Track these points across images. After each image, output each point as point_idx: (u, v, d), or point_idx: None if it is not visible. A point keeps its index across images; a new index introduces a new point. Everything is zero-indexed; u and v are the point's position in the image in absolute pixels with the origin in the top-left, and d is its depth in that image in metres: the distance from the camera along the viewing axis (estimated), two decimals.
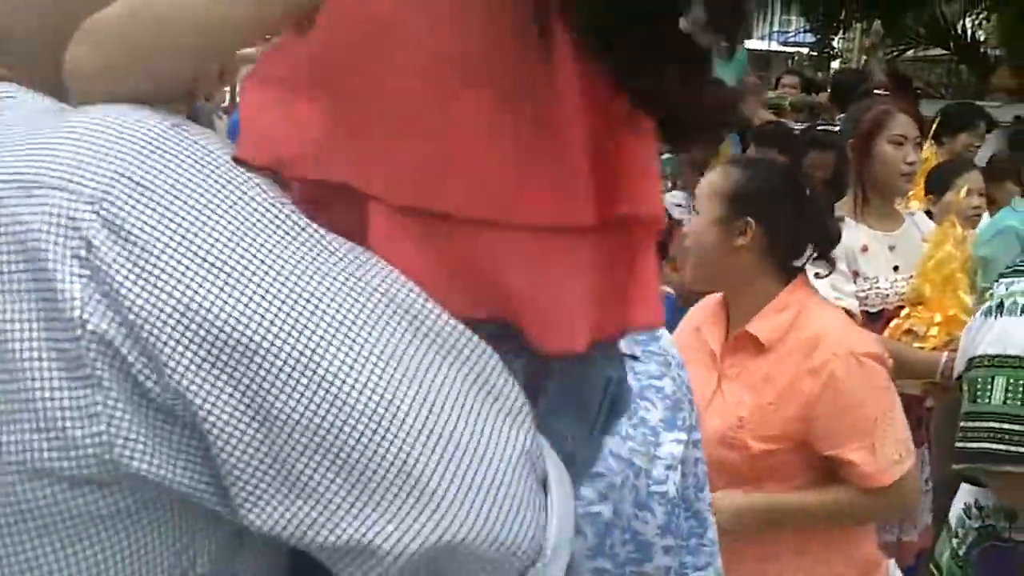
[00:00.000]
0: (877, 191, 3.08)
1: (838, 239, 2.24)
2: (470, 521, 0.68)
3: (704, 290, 2.32)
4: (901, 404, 2.12)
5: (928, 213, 3.64)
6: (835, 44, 19.31)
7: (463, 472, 0.68)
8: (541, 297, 0.74)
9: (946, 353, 2.88)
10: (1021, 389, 2.19)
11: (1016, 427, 2.20)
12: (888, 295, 2.99)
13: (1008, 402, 2.21)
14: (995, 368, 2.22)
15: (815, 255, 2.20)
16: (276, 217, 0.69)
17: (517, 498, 0.71)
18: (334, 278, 0.69)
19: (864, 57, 20.70)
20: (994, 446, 2.21)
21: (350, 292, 0.68)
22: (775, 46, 24.30)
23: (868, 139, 3.05)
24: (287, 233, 0.69)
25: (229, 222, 0.67)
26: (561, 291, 0.75)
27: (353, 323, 0.68)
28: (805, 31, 17.32)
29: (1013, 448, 2.20)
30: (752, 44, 17.85)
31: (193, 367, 0.64)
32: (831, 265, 2.23)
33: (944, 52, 13.78)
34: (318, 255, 0.69)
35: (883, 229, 3.04)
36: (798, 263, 2.19)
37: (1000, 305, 2.29)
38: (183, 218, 0.66)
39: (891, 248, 3.03)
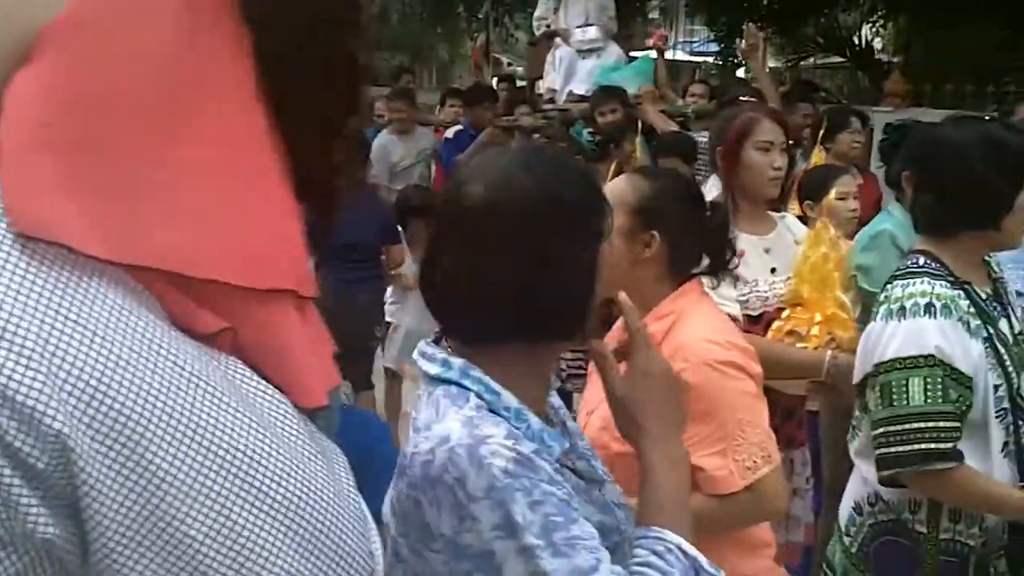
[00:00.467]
0: (747, 196, 3.09)
1: (734, 254, 2.25)
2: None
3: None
4: (769, 409, 2.10)
5: (804, 217, 3.67)
6: (740, 52, 19.73)
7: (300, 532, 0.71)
8: (277, 357, 0.76)
9: (829, 352, 2.91)
10: (939, 386, 2.23)
11: (941, 423, 2.24)
12: (768, 297, 3.00)
13: (929, 401, 2.24)
14: (909, 370, 2.25)
15: (711, 268, 2.22)
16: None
17: (348, 536, 0.74)
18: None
19: (768, 65, 21.04)
20: (923, 446, 2.24)
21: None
22: (682, 55, 24.61)
23: (736, 146, 3.07)
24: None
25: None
26: (294, 351, 0.77)
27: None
28: (710, 40, 17.62)
29: (942, 445, 2.24)
30: None
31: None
32: (733, 277, 2.25)
33: (842, 59, 14.12)
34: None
35: (757, 233, 3.04)
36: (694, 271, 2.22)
37: (902, 308, 2.31)
38: None
39: (767, 251, 3.04)
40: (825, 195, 3.82)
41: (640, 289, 2.12)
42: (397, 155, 7.52)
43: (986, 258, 2.50)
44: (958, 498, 2.33)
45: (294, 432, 0.74)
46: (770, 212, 3.19)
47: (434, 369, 1.42)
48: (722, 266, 2.22)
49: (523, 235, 1.36)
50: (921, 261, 2.39)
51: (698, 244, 2.20)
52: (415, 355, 1.47)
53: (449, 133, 7.83)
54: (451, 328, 1.47)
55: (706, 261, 2.22)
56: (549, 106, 8.46)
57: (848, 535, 2.53)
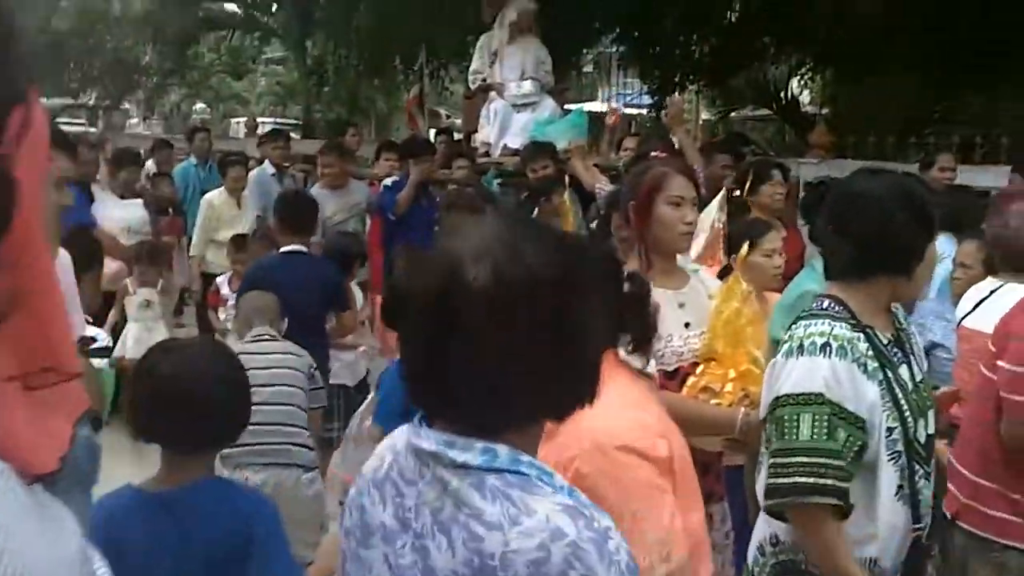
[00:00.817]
0: (659, 251, 3.11)
1: (655, 330, 2.15)
2: None
3: None
4: (667, 497, 1.94)
5: (728, 269, 3.72)
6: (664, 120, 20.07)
7: None
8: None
9: (743, 409, 2.94)
10: (826, 423, 2.31)
11: (823, 460, 2.31)
12: (683, 352, 3.02)
13: (815, 436, 2.32)
14: (801, 405, 2.34)
15: (631, 346, 2.08)
16: None
17: None
18: None
19: (701, 117, 21.47)
20: (804, 479, 2.32)
21: None
22: (618, 107, 24.85)
23: (647, 201, 3.08)
24: None
25: None
26: (13, 430, 0.90)
27: None
28: (644, 93, 17.91)
29: (821, 480, 2.31)
30: (594, 107, 18.33)
31: None
32: (646, 357, 2.11)
33: (769, 112, 14.41)
34: None
35: (670, 287, 3.05)
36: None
37: (800, 346, 2.40)
38: None
39: (680, 305, 3.06)
40: (751, 250, 3.90)
41: None
42: (330, 209, 7.43)
43: (893, 308, 2.57)
44: (817, 543, 2.38)
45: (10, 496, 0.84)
46: (683, 266, 3.21)
47: (476, 459, 1.32)
48: (640, 341, 2.10)
49: (547, 309, 1.30)
50: (826, 304, 2.47)
51: (612, 317, 2.09)
52: (438, 446, 1.35)
53: (387, 181, 7.81)
54: (464, 417, 1.35)
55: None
56: (484, 159, 8.55)
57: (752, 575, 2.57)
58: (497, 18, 9.06)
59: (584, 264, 1.39)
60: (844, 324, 2.39)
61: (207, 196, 8.19)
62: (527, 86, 8.71)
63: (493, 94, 8.84)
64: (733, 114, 16.81)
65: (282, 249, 5.34)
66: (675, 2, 13.42)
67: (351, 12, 14.33)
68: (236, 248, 6.82)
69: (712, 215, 4.16)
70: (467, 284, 1.28)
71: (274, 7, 22.24)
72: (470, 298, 1.28)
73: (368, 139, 11.59)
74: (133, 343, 6.48)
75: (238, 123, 29.96)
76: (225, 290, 6.54)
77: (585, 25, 14.15)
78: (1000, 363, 2.99)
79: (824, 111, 14.50)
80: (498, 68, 8.90)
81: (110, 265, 6.62)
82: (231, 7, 22.43)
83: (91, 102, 29.09)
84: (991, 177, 6.70)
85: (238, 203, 8.01)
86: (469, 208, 5.28)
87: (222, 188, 8.18)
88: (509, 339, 1.28)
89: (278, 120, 33.23)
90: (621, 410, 1.95)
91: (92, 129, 25.29)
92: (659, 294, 2.85)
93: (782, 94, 13.72)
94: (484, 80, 9.08)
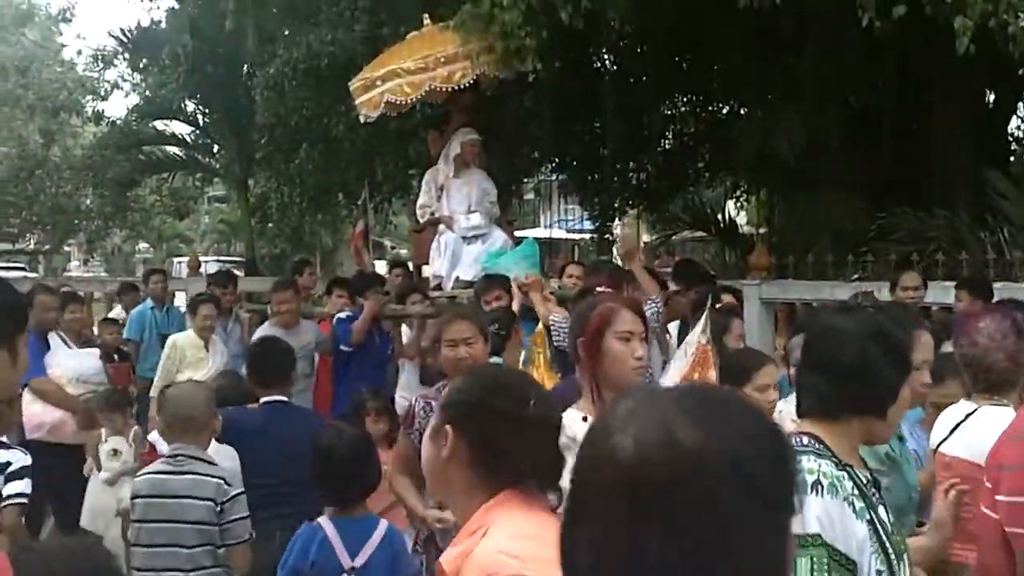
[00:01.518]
0: (610, 387, 3.05)
1: (563, 465, 2.00)
2: None
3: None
4: None
5: None
6: (615, 230, 20.43)
7: None
8: None
9: None
10: (825, 567, 2.22)
11: None
12: None
13: None
14: (799, 548, 2.22)
15: (535, 479, 1.99)
16: None
17: None
18: None
19: (643, 240, 21.82)
20: None
21: None
22: (559, 232, 25.30)
23: (596, 336, 3.07)
24: None
25: None
26: None
27: None
28: (586, 218, 18.18)
29: None
30: (538, 232, 18.59)
31: None
32: (558, 494, 1.97)
33: (706, 234, 14.70)
34: None
35: None
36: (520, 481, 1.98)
37: None
38: None
39: None
40: (746, 382, 3.81)
41: (454, 495, 2.00)
42: None
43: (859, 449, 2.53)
44: None
45: None
46: None
47: None
48: (548, 477, 1.95)
49: (685, 511, 1.03)
50: (805, 440, 2.39)
51: (515, 446, 1.97)
52: None
53: (341, 314, 7.70)
54: None
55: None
56: (436, 293, 8.45)
57: None
58: (441, 153, 9.18)
59: (771, 466, 1.10)
60: (829, 461, 2.34)
61: (173, 337, 7.83)
62: (476, 218, 8.69)
63: (442, 227, 8.83)
64: (675, 236, 17.13)
65: (262, 400, 5.00)
66: (611, 132, 13.78)
67: (292, 152, 14.50)
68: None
69: (696, 337, 4.15)
70: (602, 455, 1.09)
71: (215, 148, 22.44)
72: (601, 474, 1.08)
73: (316, 274, 11.59)
74: (89, 512, 6.16)
75: (180, 262, 29.92)
76: (162, 447, 6.14)
77: (525, 155, 14.45)
78: (998, 497, 2.95)
79: (762, 231, 14.83)
80: (445, 201, 8.91)
81: (53, 414, 6.51)
82: (172, 150, 22.60)
83: (31, 246, 28.96)
84: (932, 294, 6.83)
85: (205, 345, 7.58)
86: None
87: (190, 330, 7.81)
88: (635, 540, 1.04)
89: (221, 258, 33.27)
90: (526, 540, 1.84)
91: (32, 274, 25.15)
92: None
93: (720, 216, 14.03)
94: (432, 213, 9.08)
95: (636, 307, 3.25)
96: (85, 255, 29.79)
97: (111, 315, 10.46)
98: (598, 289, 5.30)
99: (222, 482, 4.10)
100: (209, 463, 4.23)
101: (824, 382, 2.43)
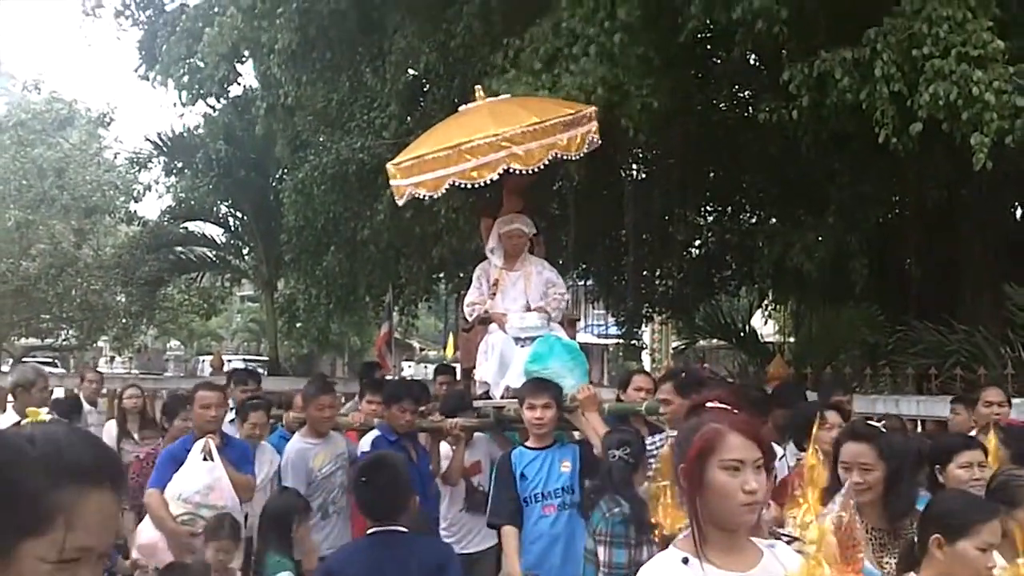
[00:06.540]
0: (715, 524, 2.54)
1: None
2: None
3: None
4: None
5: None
6: (644, 336, 20.41)
7: None
8: None
9: None
10: None
11: None
12: None
13: None
14: None
15: None
16: None
17: None
18: None
19: (671, 345, 21.81)
20: None
21: None
22: (590, 338, 25.33)
23: (698, 465, 2.53)
24: None
25: None
26: None
27: None
28: (615, 325, 18.21)
29: None
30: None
31: None
32: None
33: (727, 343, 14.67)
34: None
35: (733, 568, 2.52)
36: None
37: None
38: None
39: None
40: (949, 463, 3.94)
41: None
42: (319, 460, 6.22)
43: None
44: None
45: None
46: (755, 540, 2.63)
47: None
48: None
49: None
50: None
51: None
52: None
53: (365, 443, 6.51)
54: None
55: None
56: (481, 402, 7.06)
57: None
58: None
59: None
60: None
61: None
62: (531, 317, 7.13)
63: (493, 326, 7.27)
64: (701, 343, 17.10)
65: (370, 531, 4.26)
66: (636, 239, 13.90)
67: (319, 254, 14.70)
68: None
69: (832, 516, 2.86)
70: None
71: (245, 250, 22.75)
72: None
73: (341, 376, 11.57)
74: None
75: (204, 360, 29.95)
76: None
77: (551, 261, 14.49)
78: None
79: (790, 339, 14.78)
80: (500, 298, 7.40)
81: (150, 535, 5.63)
82: (202, 250, 22.92)
83: (61, 342, 29.20)
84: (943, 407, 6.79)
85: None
86: None
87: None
88: None
89: (247, 357, 33.36)
90: None
91: (61, 370, 25.23)
92: None
93: (742, 326, 14.00)
94: (486, 312, 7.41)
95: (750, 430, 2.64)
96: (114, 352, 30.00)
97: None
98: (708, 404, 3.89)
99: None
100: None
101: None
